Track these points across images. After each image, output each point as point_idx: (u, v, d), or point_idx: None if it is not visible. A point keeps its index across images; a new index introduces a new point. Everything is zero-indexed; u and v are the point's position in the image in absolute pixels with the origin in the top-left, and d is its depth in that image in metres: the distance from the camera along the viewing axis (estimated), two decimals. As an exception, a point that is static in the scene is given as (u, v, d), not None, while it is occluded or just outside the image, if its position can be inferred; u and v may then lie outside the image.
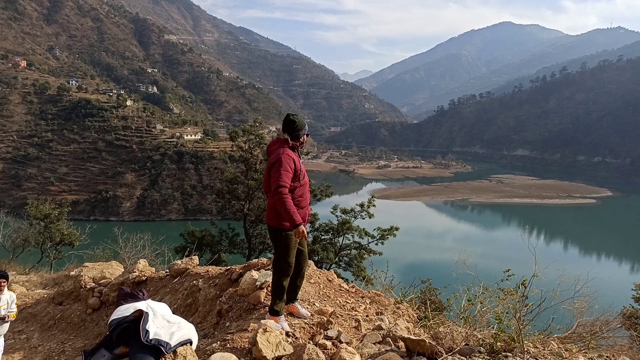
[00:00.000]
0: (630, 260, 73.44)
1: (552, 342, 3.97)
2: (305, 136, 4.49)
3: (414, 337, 4.02)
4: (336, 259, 22.88)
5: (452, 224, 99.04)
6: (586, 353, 3.70)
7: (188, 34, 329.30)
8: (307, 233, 4.43)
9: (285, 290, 4.41)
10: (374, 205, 24.35)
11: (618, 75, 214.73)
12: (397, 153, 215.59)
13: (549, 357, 3.44)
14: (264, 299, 4.82)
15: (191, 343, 2.71)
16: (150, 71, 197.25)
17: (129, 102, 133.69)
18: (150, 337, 2.48)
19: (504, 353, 3.67)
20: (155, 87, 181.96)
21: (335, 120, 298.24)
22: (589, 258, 74.83)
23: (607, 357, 3.63)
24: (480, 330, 4.42)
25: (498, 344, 3.81)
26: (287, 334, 4.15)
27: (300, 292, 5.02)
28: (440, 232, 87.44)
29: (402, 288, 6.60)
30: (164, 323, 2.66)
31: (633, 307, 18.13)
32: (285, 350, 3.69)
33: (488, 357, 3.59)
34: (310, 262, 6.23)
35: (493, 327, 4.28)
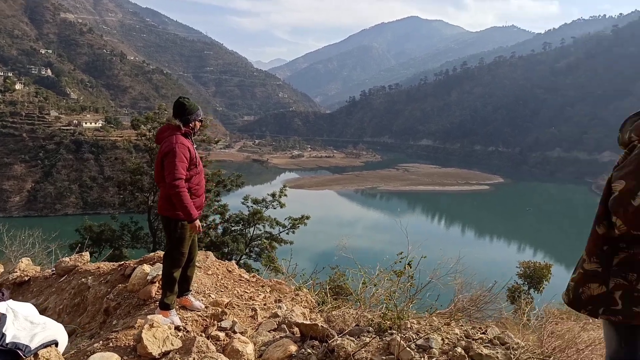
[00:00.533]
0: (518, 241, 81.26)
1: (434, 317, 4.27)
2: (197, 122, 4.34)
3: (308, 322, 4.11)
4: (247, 250, 22.72)
5: (362, 212, 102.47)
6: (462, 326, 4.03)
7: (88, 13, 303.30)
8: (203, 227, 4.36)
9: (176, 282, 4.27)
10: (285, 195, 24.49)
11: (511, 71, 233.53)
12: (310, 143, 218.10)
13: (429, 332, 3.69)
14: (155, 294, 4.61)
15: (57, 344, 2.51)
16: (43, 52, 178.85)
17: (18, 86, 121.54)
18: (7, 341, 2.25)
19: (389, 331, 3.88)
20: (49, 70, 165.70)
21: (249, 109, 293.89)
22: (482, 240, 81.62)
23: (479, 328, 3.99)
24: (372, 311, 4.63)
25: (386, 322, 4.02)
26: (177, 328, 4.02)
27: (196, 284, 4.89)
28: (351, 220, 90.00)
29: (302, 275, 6.70)
30: (27, 325, 2.42)
31: (517, 282, 20.13)
32: (173, 345, 3.56)
33: (375, 336, 3.77)
34: (210, 253, 6.09)
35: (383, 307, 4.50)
